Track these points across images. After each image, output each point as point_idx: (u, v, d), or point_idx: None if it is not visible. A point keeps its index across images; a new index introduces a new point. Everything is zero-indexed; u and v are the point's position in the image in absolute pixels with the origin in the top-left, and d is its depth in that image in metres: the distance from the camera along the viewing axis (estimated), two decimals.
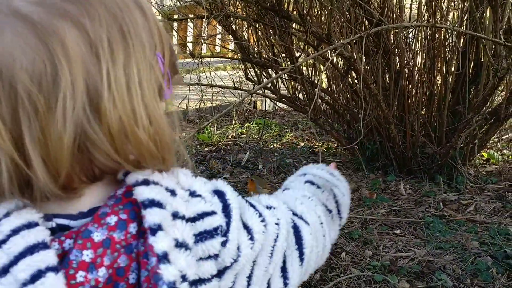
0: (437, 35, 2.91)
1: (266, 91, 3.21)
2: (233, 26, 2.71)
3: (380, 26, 2.07)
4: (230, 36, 2.79)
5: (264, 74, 3.03)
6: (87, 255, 0.48)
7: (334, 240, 0.82)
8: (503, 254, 1.99)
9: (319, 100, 3.17)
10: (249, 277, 0.61)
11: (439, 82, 3.00)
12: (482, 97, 2.55)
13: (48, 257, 0.47)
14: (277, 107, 4.54)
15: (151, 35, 0.53)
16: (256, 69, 3.00)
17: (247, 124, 4.41)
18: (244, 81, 3.40)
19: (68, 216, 0.51)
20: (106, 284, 0.49)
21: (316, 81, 2.86)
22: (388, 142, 3.01)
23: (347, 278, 1.88)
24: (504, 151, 3.42)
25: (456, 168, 2.86)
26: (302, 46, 2.74)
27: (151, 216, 0.50)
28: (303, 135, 4.12)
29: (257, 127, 4.32)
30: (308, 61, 3.07)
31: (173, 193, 0.54)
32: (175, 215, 0.53)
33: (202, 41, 4.10)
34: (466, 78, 2.80)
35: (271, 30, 2.75)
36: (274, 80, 2.86)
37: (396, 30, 2.96)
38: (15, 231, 0.47)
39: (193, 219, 0.55)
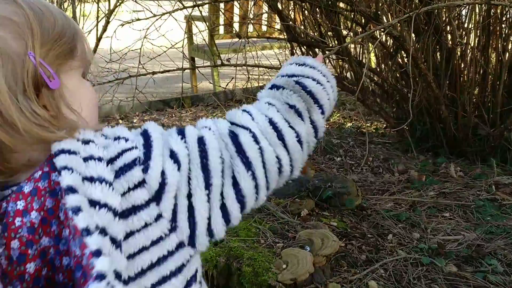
0: (492, 11, 2.79)
1: None
2: (279, 6, 2.69)
3: (430, 5, 2.00)
4: (277, 16, 2.77)
5: (311, 54, 3.01)
6: (20, 204, 0.60)
7: (322, 127, 0.81)
8: None
9: (367, 80, 3.13)
10: (190, 196, 0.67)
11: (494, 60, 2.88)
12: None
13: None
14: None
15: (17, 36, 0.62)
16: (303, 49, 2.98)
17: None
18: None
19: (14, 185, 0.64)
20: (43, 224, 0.60)
21: (364, 61, 2.82)
22: (438, 123, 2.93)
23: (393, 260, 1.88)
24: None
25: (510, 150, 2.77)
26: (349, 25, 2.69)
27: (58, 161, 0.60)
28: (350, 115, 4.08)
29: None
30: (358, 39, 3.02)
31: (87, 142, 0.64)
32: (88, 158, 0.62)
33: (248, 21, 4.11)
34: None
35: (317, 9, 2.72)
36: None
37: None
38: None
39: (113, 159, 0.64)
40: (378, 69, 3.11)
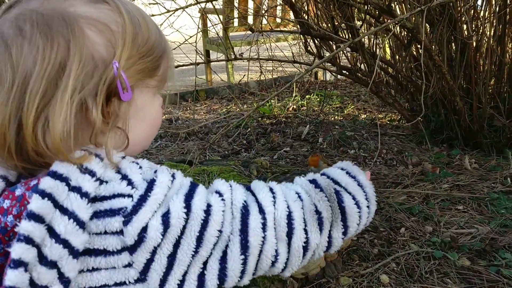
0: (509, 0, 2.75)
1: (326, 63, 3.17)
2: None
3: None
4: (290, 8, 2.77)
5: (324, 47, 3.00)
6: (6, 203, 0.62)
7: (337, 246, 0.76)
8: None
9: (382, 72, 3.11)
10: (171, 257, 0.65)
11: (510, 50, 2.84)
12: None
13: None
14: (336, 79, 4.48)
15: (109, 44, 0.64)
16: (316, 42, 2.97)
17: (307, 96, 4.40)
18: (304, 53, 3.38)
19: None
20: (14, 230, 0.61)
21: (377, 52, 2.80)
22: (453, 114, 2.91)
23: (405, 254, 1.89)
24: None
25: None
26: (363, 17, 2.67)
27: (42, 182, 0.60)
28: (365, 107, 4.06)
29: (318, 99, 4.30)
30: (371, 33, 3.00)
31: (86, 172, 0.62)
32: (75, 189, 0.61)
33: (262, 12, 4.10)
34: None
35: (330, 1, 2.71)
36: None
37: None
38: None
39: (104, 198, 0.63)
40: (392, 61, 3.08)
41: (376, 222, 2.12)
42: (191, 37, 3.20)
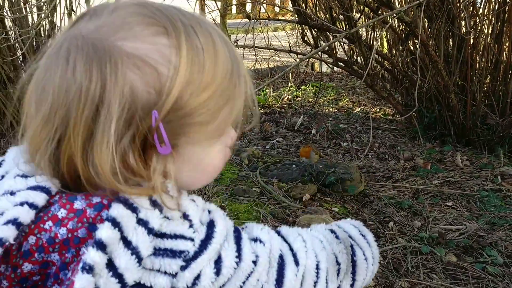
0: None
1: (323, 54, 3.16)
2: None
3: None
4: None
5: (321, 37, 2.98)
6: (61, 213, 0.57)
7: None
8: None
9: (377, 65, 3.09)
10: None
11: (507, 49, 2.83)
12: None
13: (38, 197, 0.58)
14: (332, 71, 4.46)
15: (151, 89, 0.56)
16: (313, 32, 2.95)
17: (303, 87, 4.38)
18: (302, 43, 3.36)
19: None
20: (64, 244, 0.57)
21: (374, 45, 2.78)
22: (447, 111, 2.91)
23: (393, 248, 1.89)
24: None
25: None
26: (361, 8, 2.65)
27: (112, 210, 0.56)
28: (360, 100, 4.05)
29: (313, 90, 4.28)
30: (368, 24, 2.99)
31: (155, 206, 0.59)
32: (142, 223, 0.57)
33: (260, 1, 4.06)
34: None
35: None
36: (331, 44, 2.80)
37: None
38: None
39: (164, 235, 0.59)
40: (389, 55, 3.07)
41: (365, 215, 2.12)
42: None
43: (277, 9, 5.26)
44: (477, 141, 2.88)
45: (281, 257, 0.69)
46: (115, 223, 0.55)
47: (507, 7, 2.72)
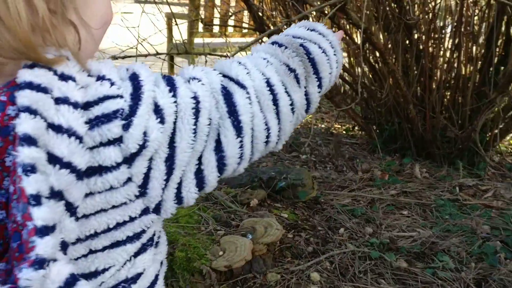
0: (464, 11, 2.73)
1: None
2: None
3: None
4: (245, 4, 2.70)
5: None
6: None
7: (315, 102, 0.72)
8: None
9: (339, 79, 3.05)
10: (169, 160, 0.56)
11: (465, 61, 2.82)
12: (508, 74, 2.37)
13: None
14: None
15: None
16: None
17: None
18: None
19: None
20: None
21: None
22: (406, 123, 2.85)
23: (341, 253, 1.78)
24: None
25: (478, 154, 2.69)
26: (318, 17, 2.62)
27: (20, 98, 0.47)
28: (323, 117, 4.00)
29: None
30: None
31: (67, 78, 0.50)
32: (63, 101, 0.49)
33: (227, 17, 4.04)
34: (493, 57, 2.62)
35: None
36: None
37: (420, 5, 2.80)
38: None
39: (90, 104, 0.51)
40: (347, 66, 3.03)
41: (315, 221, 2.01)
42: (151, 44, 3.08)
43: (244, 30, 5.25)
44: (437, 154, 2.82)
45: (224, 88, 0.62)
46: (32, 111, 0.46)
47: (463, 19, 2.72)
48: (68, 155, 0.48)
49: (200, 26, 4.92)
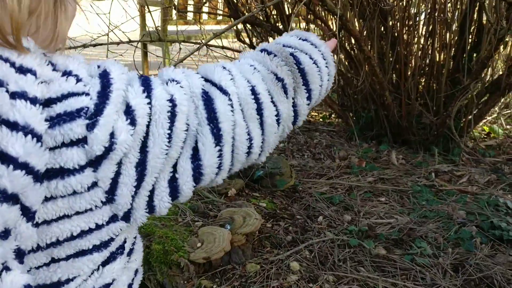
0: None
1: None
2: None
3: None
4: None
5: (255, 34, 2.90)
6: None
7: (303, 114, 0.69)
8: (489, 224, 1.86)
9: None
10: (140, 165, 0.53)
11: (439, 48, 2.83)
12: (480, 61, 2.39)
13: None
14: None
15: None
16: (247, 26, 2.87)
17: None
18: (238, 42, 3.27)
19: None
20: None
21: None
22: (383, 110, 2.86)
23: (320, 241, 1.77)
24: (508, 126, 3.26)
25: (453, 140, 2.72)
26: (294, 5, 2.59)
27: None
28: None
29: None
30: (300, 22, 2.93)
31: (25, 71, 0.46)
32: (19, 95, 0.45)
33: (202, 4, 3.97)
34: (466, 43, 2.63)
35: None
36: (264, 41, 2.72)
37: None
38: None
39: (52, 101, 0.48)
40: None
41: (294, 210, 2.00)
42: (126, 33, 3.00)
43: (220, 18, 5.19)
44: (413, 140, 2.84)
45: (205, 93, 0.58)
46: None
47: (436, 6, 2.73)
48: (24, 155, 0.44)
49: (174, 13, 4.85)
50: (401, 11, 2.81)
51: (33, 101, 0.46)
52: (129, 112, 0.51)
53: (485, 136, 3.14)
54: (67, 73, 0.50)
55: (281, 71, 0.64)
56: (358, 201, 2.13)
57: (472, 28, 2.74)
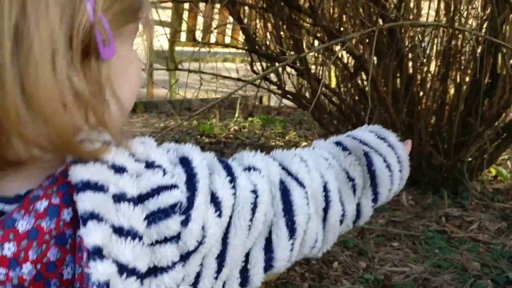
0: (453, 42, 2.77)
1: (271, 86, 3.08)
2: (241, 15, 2.58)
3: (394, 23, 1.94)
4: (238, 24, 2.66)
5: (270, 66, 2.90)
6: (8, 249, 0.40)
7: (366, 216, 0.67)
8: (505, 279, 1.86)
9: (324, 98, 3.05)
10: (220, 257, 0.51)
11: (452, 91, 2.86)
12: (496, 110, 2.41)
13: None
14: (282, 104, 4.42)
15: None
16: (263, 62, 2.88)
17: (250, 119, 4.29)
18: (251, 74, 3.28)
19: (2, 199, 0.43)
20: (35, 281, 0.41)
21: (321, 76, 2.74)
22: None
23: None
24: None
25: (462, 182, 2.73)
26: (311, 41, 2.61)
27: (82, 202, 0.41)
28: (306, 135, 4.00)
29: (260, 123, 4.20)
30: (318, 58, 2.95)
31: (120, 170, 0.45)
32: (120, 197, 0.44)
33: (211, 29, 3.98)
34: (481, 89, 2.66)
35: (280, 22, 2.62)
36: (281, 75, 2.73)
37: (411, 34, 2.83)
38: None
39: (144, 197, 0.46)
40: (337, 90, 3.03)
41: None
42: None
43: (227, 40, 5.21)
44: (422, 181, 2.85)
45: (282, 183, 0.57)
46: (97, 217, 0.41)
47: (451, 51, 2.76)
48: (133, 260, 0.43)
49: (183, 35, 4.86)
50: (415, 52, 2.83)
51: (133, 201, 0.44)
52: (216, 203, 0.50)
53: (492, 179, 3.15)
54: (149, 164, 0.48)
55: (353, 170, 0.64)
56: (372, 246, 2.13)
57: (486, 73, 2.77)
